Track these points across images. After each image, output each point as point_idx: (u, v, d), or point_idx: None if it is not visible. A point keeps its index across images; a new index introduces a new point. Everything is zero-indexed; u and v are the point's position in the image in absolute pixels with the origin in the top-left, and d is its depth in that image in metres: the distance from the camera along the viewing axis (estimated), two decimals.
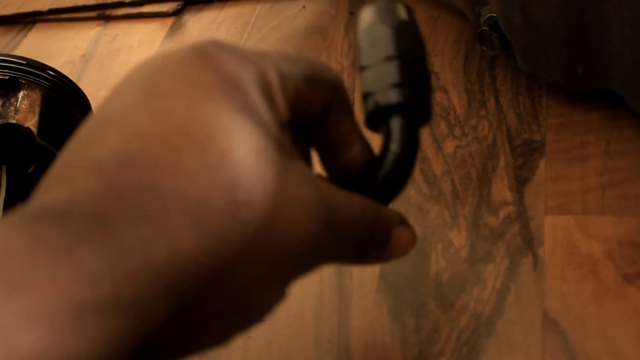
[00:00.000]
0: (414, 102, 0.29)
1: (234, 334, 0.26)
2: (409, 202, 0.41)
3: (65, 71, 0.47)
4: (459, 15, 0.52)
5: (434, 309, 0.36)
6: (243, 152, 0.23)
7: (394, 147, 0.29)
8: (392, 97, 0.29)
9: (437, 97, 0.48)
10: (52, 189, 0.22)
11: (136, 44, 0.59)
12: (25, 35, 0.62)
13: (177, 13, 0.62)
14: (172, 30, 0.60)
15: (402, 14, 0.30)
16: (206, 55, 0.25)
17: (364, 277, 0.38)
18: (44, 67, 0.45)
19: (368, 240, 0.27)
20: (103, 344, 0.19)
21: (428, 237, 0.39)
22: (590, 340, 0.34)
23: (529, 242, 0.38)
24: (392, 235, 0.28)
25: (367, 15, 0.31)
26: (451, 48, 0.51)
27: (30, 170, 0.45)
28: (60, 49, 0.60)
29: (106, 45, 0.60)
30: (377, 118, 0.29)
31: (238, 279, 0.24)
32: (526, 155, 0.43)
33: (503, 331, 0.35)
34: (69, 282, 0.19)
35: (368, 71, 0.29)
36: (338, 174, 0.30)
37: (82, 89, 0.47)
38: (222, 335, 0.25)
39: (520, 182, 0.41)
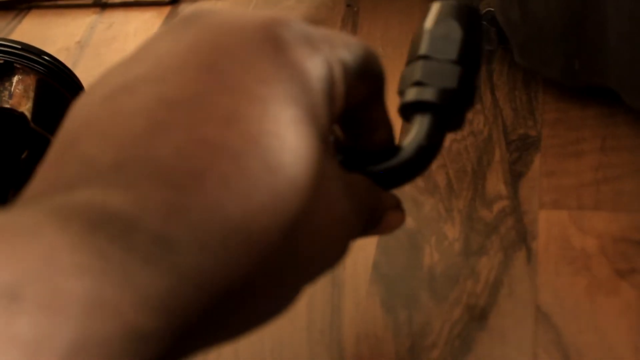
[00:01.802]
0: (454, 110, 0.29)
1: (254, 328, 0.25)
2: (403, 195, 0.41)
3: (60, 58, 0.46)
4: None
5: (427, 301, 0.36)
6: (305, 174, 0.21)
7: (415, 139, 0.29)
8: (436, 97, 0.29)
9: None
10: (108, 186, 0.20)
11: (132, 32, 0.59)
12: (20, 21, 0.62)
13: (174, 2, 0.61)
14: (169, 19, 0.60)
15: (477, 19, 0.31)
16: (278, 41, 0.22)
17: (357, 268, 0.38)
18: (39, 52, 0.44)
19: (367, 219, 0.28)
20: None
21: (422, 230, 0.39)
22: (583, 334, 0.34)
23: (523, 236, 0.38)
24: (385, 217, 0.29)
25: (444, 9, 0.31)
26: None
27: (23, 156, 0.45)
28: (55, 35, 0.60)
29: (102, 32, 0.59)
30: (414, 110, 0.30)
31: (277, 283, 0.23)
32: (521, 150, 0.42)
33: (496, 324, 0.35)
34: (129, 310, 0.18)
35: (428, 61, 0.30)
36: (352, 145, 0.30)
37: (77, 76, 0.47)
38: (244, 328, 0.24)
39: (515, 176, 0.41)
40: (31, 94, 0.43)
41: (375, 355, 0.35)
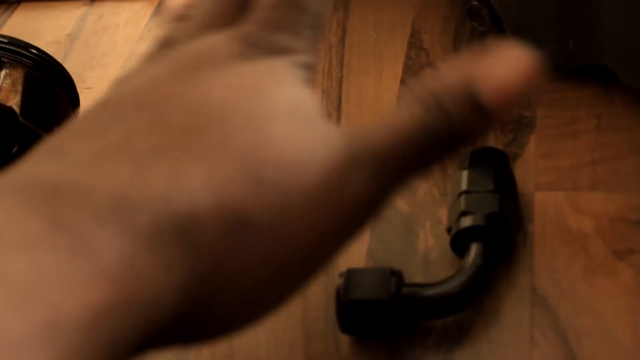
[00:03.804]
0: (501, 233, 0.34)
1: (253, 321, 0.24)
2: None
3: (50, 51, 0.46)
4: None
5: None
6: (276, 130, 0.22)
7: (472, 262, 0.33)
8: (484, 221, 0.34)
9: (427, 73, 0.47)
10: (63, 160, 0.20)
11: (122, 23, 0.58)
12: (9, 16, 0.61)
13: None
14: (159, 9, 0.59)
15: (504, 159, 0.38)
16: None
17: (352, 255, 0.38)
18: (27, 46, 0.44)
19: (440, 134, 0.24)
20: (110, 351, 0.17)
21: (416, 215, 0.39)
22: (580, 316, 0.33)
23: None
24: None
25: (475, 153, 0.37)
26: (441, 24, 0.50)
27: (14, 151, 0.44)
28: (45, 28, 0.59)
29: (92, 24, 0.59)
30: (464, 239, 0.34)
31: (267, 268, 0.22)
32: (516, 132, 0.42)
33: (492, 308, 0.34)
34: (83, 283, 0.17)
35: (469, 195, 0.35)
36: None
37: (68, 69, 0.46)
38: (240, 322, 0.23)
39: (510, 158, 0.40)
40: (19, 88, 0.42)
41: (371, 341, 0.34)
